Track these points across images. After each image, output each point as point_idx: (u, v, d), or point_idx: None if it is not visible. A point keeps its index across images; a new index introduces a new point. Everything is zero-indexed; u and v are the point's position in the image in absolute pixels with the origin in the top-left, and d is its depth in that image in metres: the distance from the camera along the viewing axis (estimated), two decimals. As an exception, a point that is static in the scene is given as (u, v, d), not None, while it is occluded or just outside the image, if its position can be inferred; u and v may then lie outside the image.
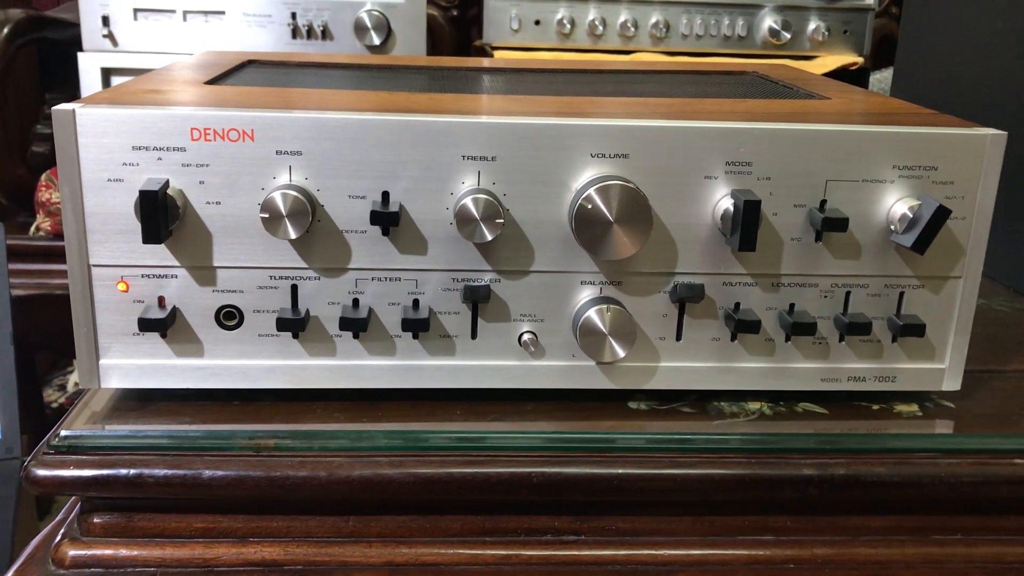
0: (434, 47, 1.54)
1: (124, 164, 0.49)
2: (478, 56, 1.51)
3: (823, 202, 0.52)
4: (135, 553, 0.50)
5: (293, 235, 0.49)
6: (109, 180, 0.49)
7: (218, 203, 0.50)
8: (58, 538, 0.51)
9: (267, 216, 0.49)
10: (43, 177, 1.31)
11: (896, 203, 0.52)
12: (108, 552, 0.50)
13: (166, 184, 0.48)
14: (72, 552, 0.50)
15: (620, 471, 0.50)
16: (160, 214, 0.48)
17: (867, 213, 0.52)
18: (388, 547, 0.51)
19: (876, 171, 0.52)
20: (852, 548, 0.52)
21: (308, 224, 0.49)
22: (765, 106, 0.59)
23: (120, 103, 0.49)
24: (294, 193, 0.49)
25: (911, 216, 0.51)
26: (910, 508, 0.53)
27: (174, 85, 0.57)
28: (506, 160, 0.50)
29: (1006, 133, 0.52)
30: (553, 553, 0.51)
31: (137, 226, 0.49)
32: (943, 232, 0.51)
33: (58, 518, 0.53)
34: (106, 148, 0.48)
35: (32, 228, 1.31)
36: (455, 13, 1.66)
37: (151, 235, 0.48)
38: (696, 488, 0.50)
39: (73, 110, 0.48)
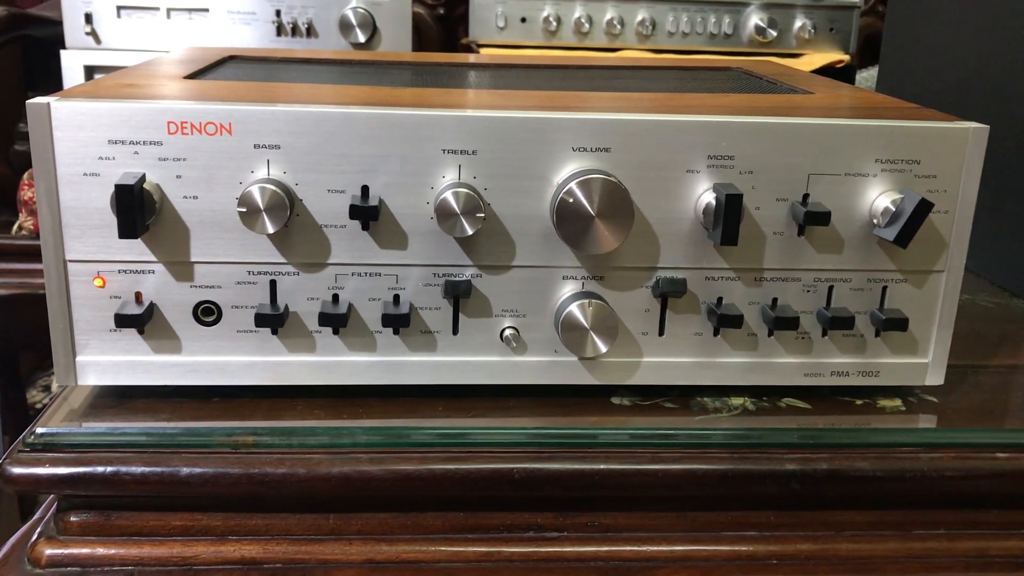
0: (420, 45, 1.53)
1: (100, 158, 0.48)
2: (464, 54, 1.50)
3: (806, 196, 0.52)
4: (113, 552, 0.49)
5: (271, 229, 0.49)
6: (85, 174, 0.48)
7: (195, 197, 0.49)
8: (34, 537, 0.50)
9: (245, 210, 0.48)
10: (25, 176, 1.30)
11: (879, 197, 0.52)
12: (85, 551, 0.49)
13: (142, 178, 0.48)
14: (49, 551, 0.49)
15: (602, 467, 0.50)
16: (136, 209, 0.47)
17: (850, 207, 0.52)
18: (368, 544, 0.50)
19: (859, 165, 0.52)
20: (835, 543, 0.52)
21: (286, 218, 0.49)
22: (748, 100, 0.58)
23: (96, 96, 0.49)
24: (272, 187, 0.48)
25: (894, 210, 0.51)
26: (893, 503, 0.53)
27: (153, 79, 0.57)
28: (487, 154, 0.50)
29: (988, 127, 0.52)
30: (535, 550, 0.51)
31: (113, 221, 0.48)
32: (926, 226, 0.51)
33: (35, 517, 0.52)
34: (81, 142, 0.48)
35: (14, 227, 1.30)
36: (441, 11, 1.66)
37: (127, 230, 0.47)
38: (679, 484, 0.50)
39: (48, 103, 0.47)
